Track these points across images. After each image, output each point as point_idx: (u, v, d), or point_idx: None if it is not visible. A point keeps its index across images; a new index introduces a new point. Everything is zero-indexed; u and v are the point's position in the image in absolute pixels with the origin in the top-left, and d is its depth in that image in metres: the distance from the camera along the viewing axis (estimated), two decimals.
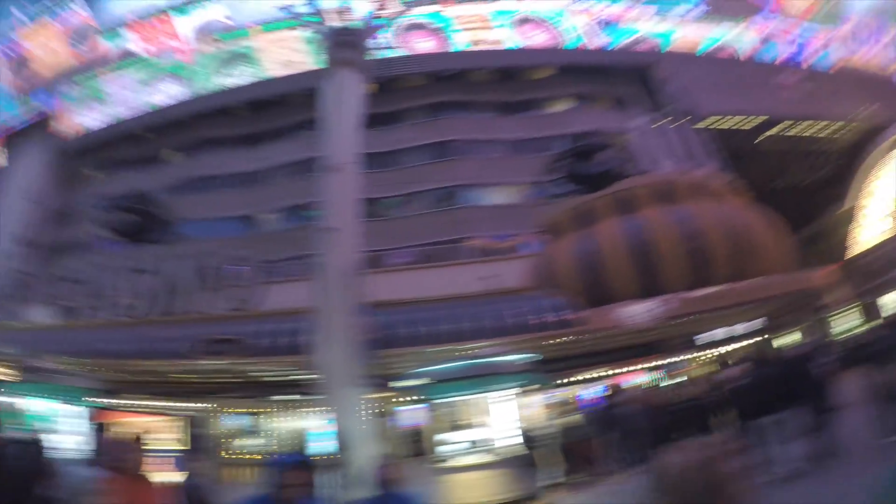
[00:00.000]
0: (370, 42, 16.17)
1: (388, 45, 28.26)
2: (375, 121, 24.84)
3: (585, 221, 17.35)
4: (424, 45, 30.47)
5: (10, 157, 38.40)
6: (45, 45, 43.18)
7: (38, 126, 37.58)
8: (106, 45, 38.88)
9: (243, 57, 32.29)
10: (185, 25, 36.03)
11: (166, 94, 34.02)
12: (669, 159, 24.81)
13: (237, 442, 17.23)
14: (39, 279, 26.13)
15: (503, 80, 29.97)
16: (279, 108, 29.80)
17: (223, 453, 16.43)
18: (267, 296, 16.87)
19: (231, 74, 32.47)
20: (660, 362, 16.24)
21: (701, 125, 27.83)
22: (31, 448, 5.69)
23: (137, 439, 3.88)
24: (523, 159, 25.76)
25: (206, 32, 34.90)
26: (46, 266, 30.58)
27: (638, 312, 15.08)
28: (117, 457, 3.45)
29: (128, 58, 36.73)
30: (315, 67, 27.56)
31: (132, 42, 37.45)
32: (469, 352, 12.57)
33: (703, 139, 27.44)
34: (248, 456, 16.71)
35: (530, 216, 22.04)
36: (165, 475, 4.76)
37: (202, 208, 27.55)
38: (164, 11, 37.19)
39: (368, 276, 12.23)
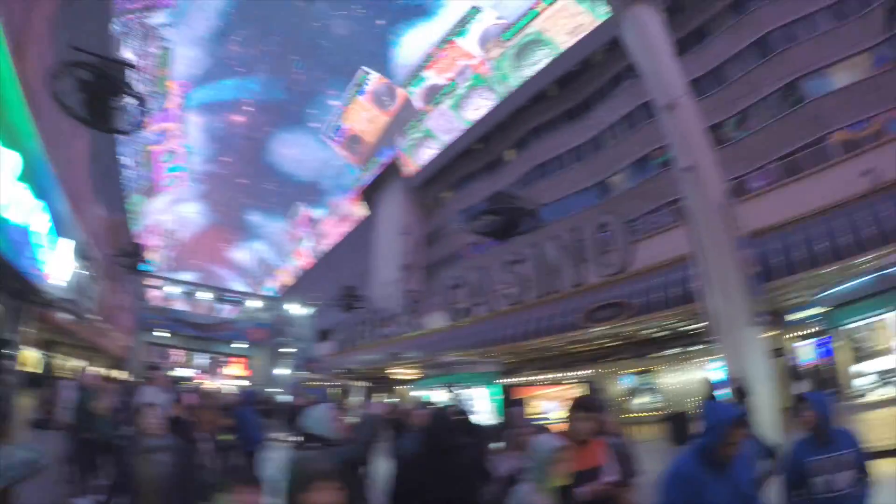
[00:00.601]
0: None
1: None
2: (685, 45, 22.52)
3: None
4: None
5: (372, 207, 48.01)
6: (365, 117, 53.31)
7: (386, 175, 45.62)
8: (412, 91, 45.75)
9: (534, 43, 33.56)
10: (469, 42, 39.76)
11: (482, 105, 37.28)
12: None
13: (634, 400, 17.59)
14: (428, 293, 31.72)
15: None
16: (587, 74, 29.61)
17: (623, 412, 16.93)
18: (638, 253, 16.65)
19: (530, 64, 33.90)
20: None
21: None
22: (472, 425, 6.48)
23: (579, 406, 3.90)
24: (856, 22, 19.39)
25: (490, 39, 37.74)
26: (430, 281, 37.14)
27: None
28: (569, 425, 3.79)
29: (436, 92, 42.23)
30: (603, 21, 26.89)
31: (432, 78, 43.13)
32: (869, 265, 10.14)
33: None
34: (644, 413, 16.89)
35: (890, 86, 16.84)
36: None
37: (554, 190, 28.96)
38: (446, 41, 41.85)
39: (737, 206, 10.96)
